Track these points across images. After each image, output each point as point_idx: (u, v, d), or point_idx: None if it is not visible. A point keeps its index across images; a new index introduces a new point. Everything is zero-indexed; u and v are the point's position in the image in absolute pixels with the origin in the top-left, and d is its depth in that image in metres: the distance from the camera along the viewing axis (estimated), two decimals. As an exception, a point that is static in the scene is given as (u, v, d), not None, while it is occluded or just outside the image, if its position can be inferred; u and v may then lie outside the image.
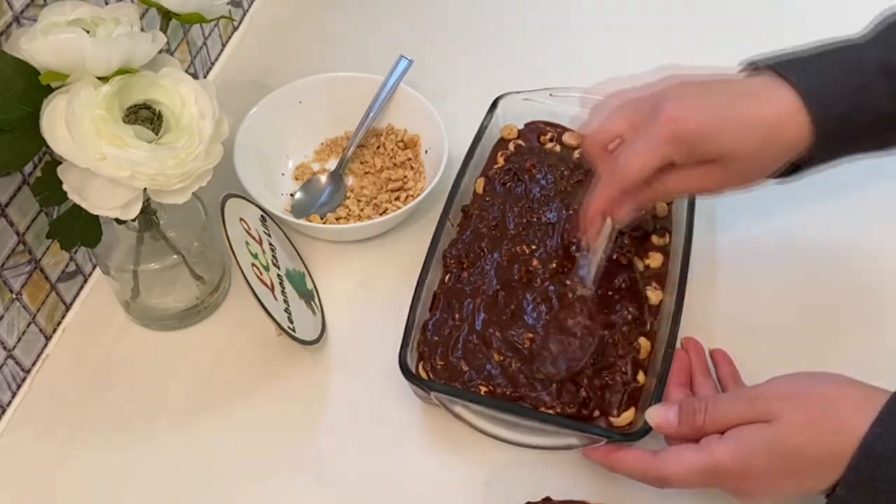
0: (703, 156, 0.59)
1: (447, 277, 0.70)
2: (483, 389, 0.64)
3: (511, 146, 0.80)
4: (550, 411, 0.62)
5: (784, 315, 0.72)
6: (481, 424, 0.62)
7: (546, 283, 0.69)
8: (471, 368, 0.65)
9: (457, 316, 0.68)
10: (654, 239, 0.73)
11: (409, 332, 0.64)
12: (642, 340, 0.66)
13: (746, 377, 0.65)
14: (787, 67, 0.59)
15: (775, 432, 0.52)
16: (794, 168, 0.63)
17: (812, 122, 0.58)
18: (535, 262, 0.71)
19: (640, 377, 0.64)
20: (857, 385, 0.53)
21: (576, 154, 0.80)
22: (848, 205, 0.80)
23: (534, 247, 0.72)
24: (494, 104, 0.80)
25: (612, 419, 0.62)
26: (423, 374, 0.65)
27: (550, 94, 0.80)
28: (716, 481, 0.54)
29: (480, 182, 0.77)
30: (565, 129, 0.82)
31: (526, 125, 0.82)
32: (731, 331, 0.70)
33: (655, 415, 0.58)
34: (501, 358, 0.65)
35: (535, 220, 0.74)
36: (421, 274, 0.68)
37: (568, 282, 0.69)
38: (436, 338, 0.66)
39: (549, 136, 0.81)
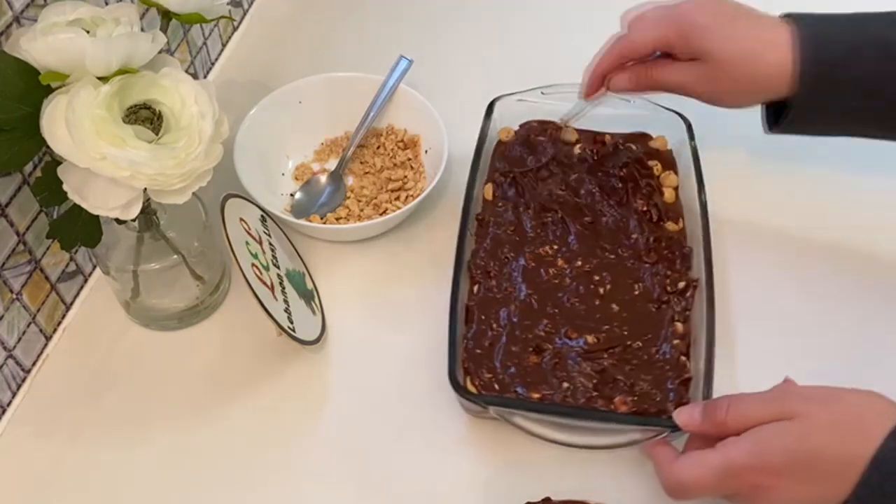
0: (695, 51, 0.67)
1: (475, 288, 0.69)
2: (535, 396, 0.62)
3: (509, 148, 0.80)
4: (607, 409, 0.61)
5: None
6: (542, 431, 0.60)
7: (574, 282, 0.69)
8: (519, 376, 0.63)
9: (494, 325, 0.66)
10: (669, 225, 0.73)
11: (453, 349, 0.62)
12: (678, 325, 0.66)
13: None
14: (804, 15, 0.67)
15: (798, 429, 0.51)
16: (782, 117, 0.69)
17: (797, 58, 0.64)
18: (560, 262, 0.71)
19: (685, 362, 0.64)
20: (885, 398, 0.52)
21: (576, 150, 0.80)
22: (850, 204, 0.80)
23: (556, 246, 0.72)
24: (490, 108, 0.79)
25: (667, 410, 0.61)
26: (473, 389, 0.63)
27: (542, 93, 0.81)
28: (730, 482, 0.53)
29: (489, 188, 0.76)
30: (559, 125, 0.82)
31: (521, 126, 0.82)
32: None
33: (682, 414, 0.58)
34: (545, 361, 0.64)
35: (549, 219, 0.73)
36: (452, 287, 0.66)
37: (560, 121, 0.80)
38: (478, 350, 0.65)
39: (545, 134, 0.81)
